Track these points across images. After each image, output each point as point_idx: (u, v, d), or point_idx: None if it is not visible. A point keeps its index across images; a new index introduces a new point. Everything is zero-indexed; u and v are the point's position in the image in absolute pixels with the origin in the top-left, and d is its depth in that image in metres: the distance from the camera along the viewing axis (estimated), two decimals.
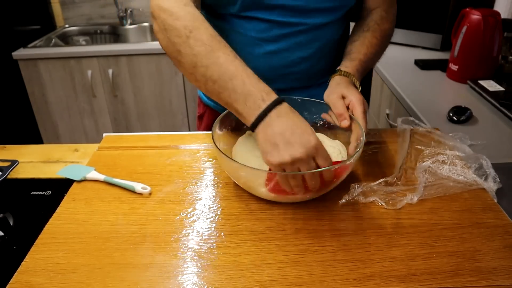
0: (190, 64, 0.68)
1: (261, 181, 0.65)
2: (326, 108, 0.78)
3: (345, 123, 0.73)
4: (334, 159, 0.68)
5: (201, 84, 0.69)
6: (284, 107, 0.62)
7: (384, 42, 0.91)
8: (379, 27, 0.89)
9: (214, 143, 0.68)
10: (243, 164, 0.63)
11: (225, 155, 0.65)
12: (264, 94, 0.62)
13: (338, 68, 0.83)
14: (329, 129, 0.81)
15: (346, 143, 0.76)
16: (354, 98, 0.74)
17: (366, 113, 0.74)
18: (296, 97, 0.80)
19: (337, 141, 0.79)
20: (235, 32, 0.84)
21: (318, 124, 0.82)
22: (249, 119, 0.62)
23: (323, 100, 0.79)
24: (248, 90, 0.63)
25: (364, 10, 0.93)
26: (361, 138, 0.69)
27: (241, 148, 0.77)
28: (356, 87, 0.79)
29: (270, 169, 0.63)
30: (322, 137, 0.80)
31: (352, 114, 0.73)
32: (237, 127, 0.79)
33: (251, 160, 0.71)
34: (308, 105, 0.81)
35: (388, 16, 0.92)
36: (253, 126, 0.62)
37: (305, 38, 0.85)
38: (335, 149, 0.75)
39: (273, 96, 0.63)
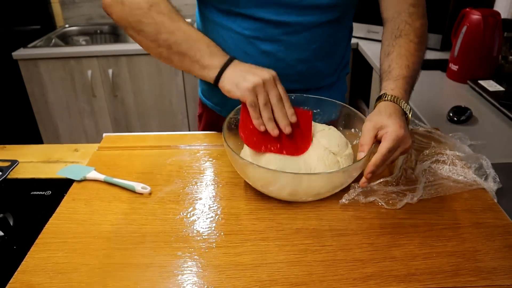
0: (153, 32, 0.74)
1: (275, 181, 0.66)
2: (329, 105, 0.79)
3: (359, 155, 0.66)
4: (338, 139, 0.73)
5: (163, 49, 0.75)
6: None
7: (423, 42, 0.81)
8: (411, 27, 0.79)
9: (225, 142, 0.68)
10: (263, 166, 0.65)
11: (238, 155, 0.65)
12: (224, 53, 0.73)
13: (382, 91, 0.74)
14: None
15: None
16: (391, 131, 0.65)
17: (395, 152, 0.66)
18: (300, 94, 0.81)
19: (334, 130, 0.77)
20: (231, 30, 0.84)
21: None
22: (214, 70, 0.71)
23: None
24: (212, 50, 0.73)
25: (388, 10, 0.84)
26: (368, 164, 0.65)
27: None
28: (405, 113, 0.71)
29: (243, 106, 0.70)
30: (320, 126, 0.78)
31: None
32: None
33: (262, 160, 0.71)
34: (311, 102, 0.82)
35: (418, 10, 0.81)
36: (220, 72, 0.71)
37: (301, 39, 0.84)
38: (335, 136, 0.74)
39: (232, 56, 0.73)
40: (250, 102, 0.68)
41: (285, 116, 0.70)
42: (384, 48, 0.81)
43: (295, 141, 0.72)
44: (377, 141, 0.67)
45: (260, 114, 0.69)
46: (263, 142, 0.70)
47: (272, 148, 0.70)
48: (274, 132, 0.69)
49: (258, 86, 0.68)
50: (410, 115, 0.71)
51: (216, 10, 0.85)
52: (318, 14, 0.82)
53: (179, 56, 0.74)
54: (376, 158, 0.65)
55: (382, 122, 0.67)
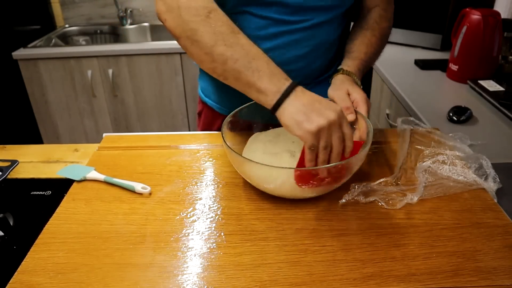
0: (208, 43, 0.66)
1: (279, 179, 0.66)
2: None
3: (351, 116, 0.73)
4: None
5: (217, 64, 0.67)
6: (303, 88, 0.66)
7: (383, 40, 0.92)
8: (378, 26, 0.90)
9: (225, 142, 0.68)
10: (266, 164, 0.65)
11: (245, 155, 0.65)
12: (286, 76, 0.66)
13: (340, 67, 0.84)
14: None
15: None
16: (359, 96, 0.76)
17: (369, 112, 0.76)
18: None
19: None
20: None
21: None
22: (272, 96, 0.64)
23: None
24: (272, 70, 0.65)
25: (363, 9, 0.94)
26: (369, 133, 0.72)
27: (257, 147, 0.76)
28: (359, 86, 0.81)
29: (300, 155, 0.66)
30: None
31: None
32: (243, 128, 0.81)
33: (265, 159, 0.72)
34: None
35: (387, 14, 0.93)
36: (279, 102, 0.63)
37: (301, 36, 0.85)
38: None
39: (293, 80, 0.66)
40: (309, 145, 0.61)
41: (340, 156, 0.64)
42: (352, 35, 0.92)
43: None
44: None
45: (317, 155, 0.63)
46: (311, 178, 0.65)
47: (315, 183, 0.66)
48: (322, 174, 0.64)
49: (322, 131, 0.61)
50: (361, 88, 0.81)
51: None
52: (320, 14, 0.84)
53: (235, 74, 0.66)
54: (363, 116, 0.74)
55: (348, 90, 0.78)
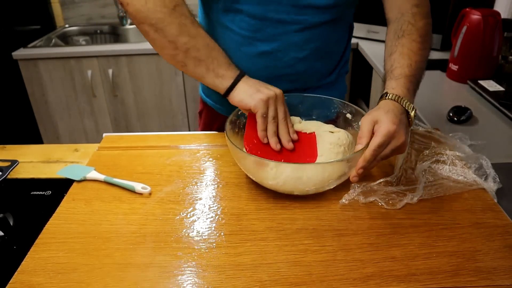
0: (174, 33, 0.73)
1: (278, 174, 0.67)
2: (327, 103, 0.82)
3: (357, 147, 0.67)
4: (345, 140, 0.75)
5: (180, 52, 0.75)
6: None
7: (427, 41, 0.80)
8: (414, 27, 0.79)
9: (229, 140, 0.69)
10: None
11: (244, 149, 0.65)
12: (235, 65, 0.77)
13: (384, 90, 0.74)
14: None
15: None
16: (383, 126, 0.66)
17: (387, 148, 0.66)
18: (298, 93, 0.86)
19: (342, 130, 0.78)
20: (230, 30, 0.84)
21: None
22: (229, 80, 0.75)
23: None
24: (227, 60, 0.76)
25: (391, 11, 0.84)
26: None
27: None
28: (407, 111, 0.70)
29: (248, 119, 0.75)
30: (328, 126, 0.79)
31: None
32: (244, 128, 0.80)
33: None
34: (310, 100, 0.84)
35: (422, 10, 0.81)
36: (234, 83, 0.74)
37: (300, 38, 0.84)
38: (340, 132, 0.76)
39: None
40: (261, 112, 0.71)
41: (288, 133, 0.75)
42: (387, 49, 0.81)
43: (299, 156, 0.75)
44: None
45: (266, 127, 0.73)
46: (266, 155, 0.73)
47: None
48: (276, 146, 0.73)
49: (271, 99, 0.72)
50: (413, 114, 0.71)
51: (216, 9, 0.84)
52: (317, 14, 0.82)
53: (195, 61, 0.75)
54: (366, 153, 0.65)
55: (378, 117, 0.68)
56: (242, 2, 0.80)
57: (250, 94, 0.73)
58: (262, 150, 0.73)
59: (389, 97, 0.71)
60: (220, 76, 0.75)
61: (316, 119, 0.83)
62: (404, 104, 0.70)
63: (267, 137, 0.74)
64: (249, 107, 0.72)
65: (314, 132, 0.78)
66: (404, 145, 0.68)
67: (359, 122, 0.70)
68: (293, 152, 0.75)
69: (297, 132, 0.78)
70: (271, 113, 0.72)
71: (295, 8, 0.80)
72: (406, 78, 0.73)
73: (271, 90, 0.73)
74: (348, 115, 0.81)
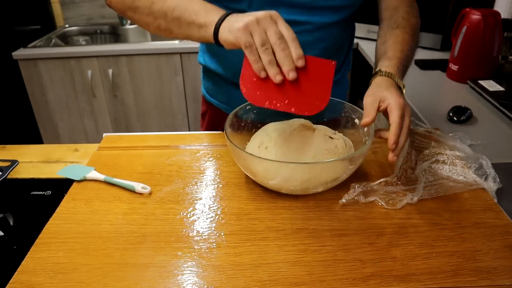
0: (146, 4, 0.73)
1: (279, 174, 0.66)
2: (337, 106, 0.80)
3: (364, 120, 0.67)
4: (341, 149, 0.72)
5: (160, 20, 0.73)
6: None
7: (416, 37, 0.86)
8: (408, 22, 0.84)
9: (228, 139, 0.69)
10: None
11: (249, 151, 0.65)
12: (220, 9, 0.69)
13: (377, 68, 0.77)
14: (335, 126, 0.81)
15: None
16: (393, 101, 0.67)
17: (405, 118, 0.67)
18: None
19: (340, 134, 0.78)
20: None
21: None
22: (211, 25, 0.66)
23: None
24: (207, 7, 0.69)
25: (386, 10, 0.89)
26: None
27: (254, 144, 0.76)
28: (400, 88, 0.74)
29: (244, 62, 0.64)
30: (325, 129, 0.79)
31: (388, 119, 0.68)
32: (245, 127, 0.81)
33: (267, 155, 0.72)
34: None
35: (413, 10, 0.88)
36: (217, 27, 0.65)
37: (310, 38, 0.84)
38: (339, 140, 0.75)
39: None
40: (244, 42, 0.60)
41: (289, 58, 0.61)
42: (381, 38, 0.85)
43: (308, 96, 0.62)
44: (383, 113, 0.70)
45: (260, 57, 0.62)
46: (268, 95, 0.61)
47: (278, 104, 0.61)
48: (276, 78, 0.61)
49: (251, 24, 0.60)
50: (404, 91, 0.74)
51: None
52: (329, 15, 0.83)
53: (176, 22, 0.71)
54: (392, 128, 0.65)
55: (381, 95, 0.69)
56: (255, 7, 0.80)
57: (228, 28, 0.63)
58: (262, 89, 0.61)
59: (383, 74, 0.74)
60: (203, 25, 0.68)
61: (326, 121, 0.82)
62: (396, 80, 0.74)
63: (264, 70, 0.62)
64: (232, 44, 0.63)
65: (335, 61, 0.66)
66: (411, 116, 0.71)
67: (363, 101, 0.71)
68: (300, 88, 0.61)
69: (311, 58, 0.63)
70: (257, 40, 0.60)
71: (307, 10, 0.81)
72: (398, 60, 0.77)
73: (251, 15, 0.61)
74: (357, 120, 0.80)
